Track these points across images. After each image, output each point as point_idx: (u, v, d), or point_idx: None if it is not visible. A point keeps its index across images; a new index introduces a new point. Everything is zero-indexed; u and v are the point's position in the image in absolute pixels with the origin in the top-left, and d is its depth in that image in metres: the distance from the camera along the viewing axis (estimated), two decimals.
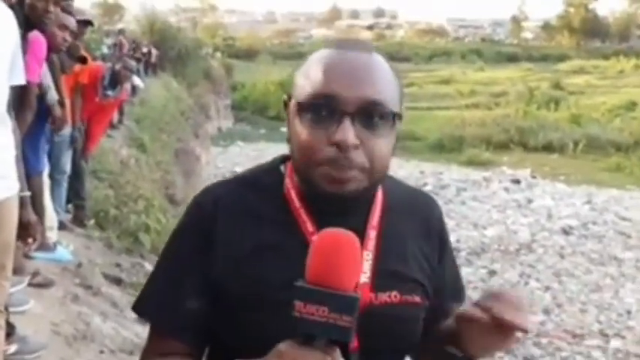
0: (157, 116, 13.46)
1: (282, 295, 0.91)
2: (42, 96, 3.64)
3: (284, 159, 1.16)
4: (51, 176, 4.68)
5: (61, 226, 5.14)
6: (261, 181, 1.15)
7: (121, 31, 16.21)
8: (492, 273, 10.26)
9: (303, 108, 1.04)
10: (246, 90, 34.77)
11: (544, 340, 7.93)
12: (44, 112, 3.77)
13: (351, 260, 0.92)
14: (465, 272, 9.57)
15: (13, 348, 2.95)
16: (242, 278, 1.06)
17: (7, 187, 2.19)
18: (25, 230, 2.39)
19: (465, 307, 1.05)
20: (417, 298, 1.12)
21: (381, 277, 1.09)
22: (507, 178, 18.07)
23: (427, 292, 1.15)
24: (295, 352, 0.89)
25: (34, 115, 3.26)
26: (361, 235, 1.08)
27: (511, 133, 24.24)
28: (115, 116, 9.40)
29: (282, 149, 1.15)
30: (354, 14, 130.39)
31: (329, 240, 0.92)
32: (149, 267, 5.19)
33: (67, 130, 4.90)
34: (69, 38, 4.07)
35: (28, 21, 2.82)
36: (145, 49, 17.56)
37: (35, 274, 3.96)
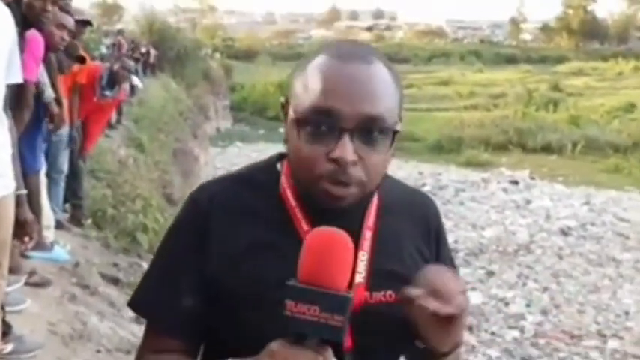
0: (155, 116, 13.46)
1: (278, 294, 0.91)
2: (39, 95, 3.64)
3: (280, 157, 1.15)
4: (48, 175, 4.67)
5: (59, 226, 5.13)
6: (257, 179, 1.15)
7: (119, 32, 16.22)
8: (490, 274, 10.26)
9: (302, 122, 1.03)
10: (245, 91, 34.77)
11: (542, 341, 7.94)
12: (41, 111, 3.77)
13: (344, 259, 0.92)
14: (463, 273, 9.58)
15: (9, 347, 2.95)
16: (237, 276, 1.06)
17: (4, 186, 2.19)
18: (21, 229, 2.39)
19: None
20: None
21: (377, 277, 1.09)
22: (506, 179, 18.08)
23: None
24: (287, 352, 0.90)
25: (31, 114, 3.26)
26: (357, 235, 1.08)
27: (510, 135, 24.27)
28: (114, 116, 9.40)
29: (281, 150, 1.15)
30: (354, 15, 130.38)
31: (321, 239, 0.92)
32: (146, 267, 5.17)
33: (64, 130, 4.89)
34: (67, 37, 4.07)
35: (26, 20, 2.82)
36: (143, 50, 17.56)
37: (32, 273, 3.95)
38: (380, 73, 1.04)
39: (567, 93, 35.99)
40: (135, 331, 4.13)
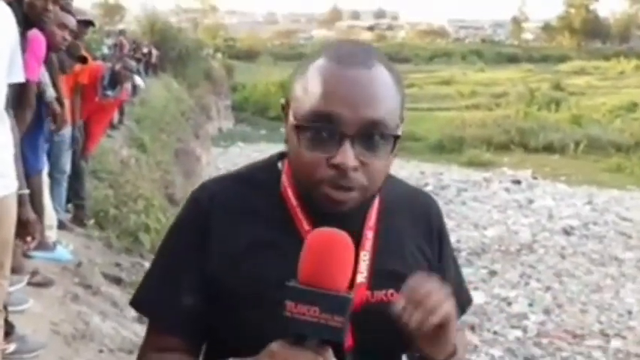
0: (157, 116, 13.47)
1: (278, 293, 0.90)
2: (40, 95, 3.64)
3: (281, 156, 1.15)
4: (50, 175, 4.68)
5: (61, 226, 5.14)
6: (258, 178, 1.15)
7: (121, 32, 16.25)
8: (493, 273, 10.25)
9: (303, 128, 1.02)
10: (246, 91, 34.80)
11: (545, 340, 7.93)
12: (43, 111, 3.77)
13: (344, 260, 0.91)
14: (466, 273, 9.49)
15: (12, 347, 2.95)
16: (237, 275, 1.06)
17: (5, 186, 2.19)
18: (24, 228, 2.39)
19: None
20: None
21: (378, 277, 1.08)
22: (508, 178, 18.08)
23: None
24: (287, 352, 0.89)
25: (33, 114, 3.25)
26: (358, 235, 1.08)
27: (512, 134, 24.25)
28: (116, 116, 9.40)
29: (282, 150, 1.15)
30: (355, 15, 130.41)
31: (322, 239, 0.92)
32: (149, 266, 5.18)
33: (66, 130, 4.90)
34: (68, 37, 4.07)
35: (27, 19, 2.81)
36: (145, 50, 17.57)
37: (34, 273, 3.95)
38: (381, 76, 1.03)
39: (569, 92, 35.95)
40: (137, 331, 4.13)
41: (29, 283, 3.78)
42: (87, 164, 6.16)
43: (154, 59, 18.94)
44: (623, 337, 8.08)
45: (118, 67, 6.11)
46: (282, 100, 1.11)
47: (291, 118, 1.06)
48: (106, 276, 5.03)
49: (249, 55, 50.85)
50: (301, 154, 1.03)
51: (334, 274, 0.89)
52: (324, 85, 1.01)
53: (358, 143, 1.00)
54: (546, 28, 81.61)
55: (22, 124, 3.03)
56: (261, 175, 1.15)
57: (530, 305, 8.99)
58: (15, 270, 3.21)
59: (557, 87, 36.94)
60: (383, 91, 1.03)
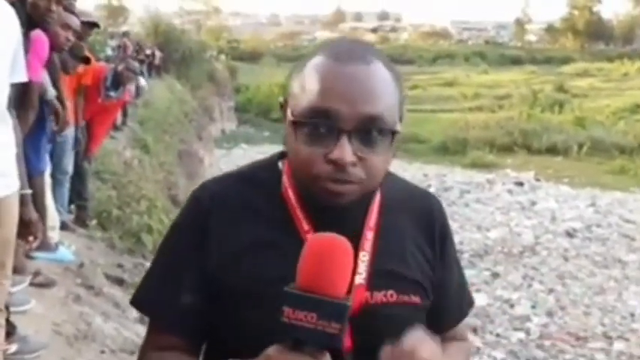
0: (160, 118, 13.49)
1: (276, 291, 0.90)
2: (41, 94, 3.64)
3: (282, 155, 1.15)
4: (53, 176, 4.68)
5: (64, 227, 5.14)
6: (259, 177, 1.14)
7: (125, 33, 16.27)
8: (496, 275, 10.24)
9: (300, 123, 1.02)
10: (250, 92, 34.88)
11: (547, 343, 7.91)
12: (45, 111, 3.77)
13: (343, 265, 0.91)
14: (469, 274, 9.52)
15: (13, 347, 2.95)
16: (237, 274, 1.06)
17: (7, 185, 2.19)
18: (26, 228, 2.38)
19: None
20: (416, 298, 1.11)
21: (378, 277, 1.08)
22: (511, 180, 18.07)
23: (427, 292, 1.14)
24: (284, 357, 0.89)
25: (36, 115, 3.26)
26: (358, 235, 1.08)
27: (515, 136, 24.25)
28: (119, 118, 9.41)
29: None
30: (358, 17, 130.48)
31: (321, 245, 0.91)
32: None
33: (69, 131, 4.90)
34: (72, 38, 4.07)
35: (31, 19, 2.82)
36: (148, 51, 17.61)
37: (37, 273, 3.95)
38: (379, 72, 1.03)
39: (573, 94, 35.92)
40: (139, 331, 4.13)
41: (31, 284, 3.78)
42: (89, 165, 6.15)
43: (157, 61, 18.98)
44: (626, 340, 8.06)
45: (120, 68, 6.11)
46: (281, 99, 1.11)
47: (289, 115, 1.06)
48: (108, 277, 5.03)
49: (252, 57, 50.94)
50: (299, 150, 1.02)
51: (333, 279, 0.89)
52: (322, 82, 1.01)
53: (356, 139, 1.00)
54: (549, 29, 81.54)
55: (25, 124, 3.03)
56: (262, 175, 1.15)
57: (533, 307, 8.97)
58: (17, 271, 3.22)
59: (561, 89, 36.92)
60: (381, 87, 1.02)
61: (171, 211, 7.82)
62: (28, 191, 2.42)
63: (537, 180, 18.48)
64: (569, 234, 12.66)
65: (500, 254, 11.32)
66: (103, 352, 3.65)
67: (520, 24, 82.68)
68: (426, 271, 1.14)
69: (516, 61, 55.82)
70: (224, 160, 19.90)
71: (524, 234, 12.55)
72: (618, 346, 7.87)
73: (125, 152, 9.25)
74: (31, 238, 2.46)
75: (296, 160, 1.05)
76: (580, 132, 24.84)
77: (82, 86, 5.54)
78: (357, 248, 1.05)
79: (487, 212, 14.41)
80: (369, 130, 1.01)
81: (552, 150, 23.11)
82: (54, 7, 2.93)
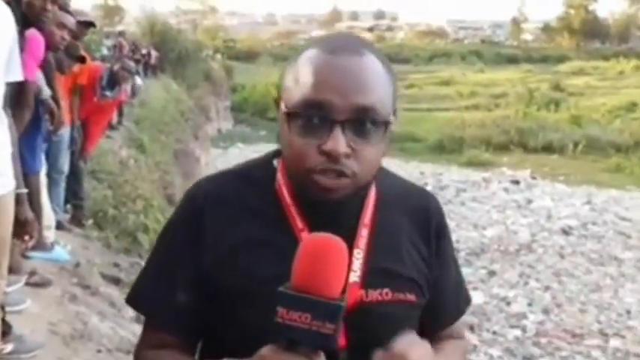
0: (156, 117, 13.47)
1: (271, 290, 0.90)
2: (36, 93, 3.63)
3: (277, 153, 1.14)
4: (49, 176, 4.67)
5: (59, 226, 5.13)
6: (254, 175, 1.14)
7: (121, 33, 16.25)
8: (492, 273, 10.25)
9: (294, 115, 1.02)
10: (246, 92, 34.83)
11: (544, 340, 7.93)
12: (40, 110, 3.77)
13: (338, 265, 0.91)
14: (465, 273, 9.40)
15: (9, 347, 2.94)
16: (232, 273, 1.06)
17: (3, 184, 2.18)
18: (21, 227, 2.38)
19: None
20: (411, 296, 1.11)
21: (372, 275, 1.07)
22: (507, 178, 18.09)
23: (422, 290, 1.13)
24: (278, 357, 0.89)
25: (31, 114, 3.25)
26: (353, 232, 1.08)
27: (511, 134, 24.28)
28: (115, 117, 9.40)
29: None
30: (354, 16, 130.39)
31: (316, 245, 0.91)
32: None
33: (65, 130, 4.89)
34: (67, 37, 4.07)
35: (26, 18, 2.81)
36: (144, 51, 17.59)
37: (32, 273, 3.94)
38: (371, 64, 1.03)
39: (568, 93, 35.98)
40: (136, 331, 4.13)
41: (27, 284, 3.77)
42: (85, 165, 6.15)
43: (153, 60, 18.95)
44: (622, 337, 8.08)
45: (116, 67, 6.11)
46: (275, 94, 1.12)
47: (282, 107, 1.06)
48: (104, 276, 5.02)
49: (248, 56, 50.86)
50: (292, 142, 1.03)
51: (328, 279, 0.89)
52: (315, 74, 1.01)
53: (349, 130, 1.00)
54: (545, 28, 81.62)
55: (20, 124, 3.02)
56: (257, 173, 1.15)
57: (530, 305, 8.99)
58: (13, 270, 3.21)
59: (557, 87, 36.97)
60: (373, 79, 1.03)
61: (168, 211, 7.80)
62: (24, 190, 2.42)
63: (533, 178, 18.50)
64: (565, 232, 12.68)
65: (497, 252, 11.34)
66: (99, 351, 3.65)
67: (516, 23, 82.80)
68: (422, 269, 1.14)
69: (512, 60, 55.89)
70: (220, 160, 19.86)
71: (521, 232, 12.56)
72: (614, 343, 7.89)
73: (121, 152, 9.23)
74: (26, 238, 2.46)
75: (290, 152, 1.04)
76: (576, 130, 24.88)
77: (77, 86, 5.53)
78: (351, 246, 1.05)
79: (483, 210, 14.42)
80: (363, 121, 1.01)
81: (548, 148, 23.14)
82: (49, 6, 2.93)
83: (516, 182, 17.47)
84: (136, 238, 6.22)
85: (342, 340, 1.01)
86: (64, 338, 3.55)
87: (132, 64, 7.00)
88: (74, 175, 5.57)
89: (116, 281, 5.11)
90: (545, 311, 8.79)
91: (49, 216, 4.42)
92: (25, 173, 2.68)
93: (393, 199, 1.16)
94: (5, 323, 2.76)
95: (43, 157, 4.11)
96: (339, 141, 0.99)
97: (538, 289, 9.63)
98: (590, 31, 72.67)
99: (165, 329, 1.12)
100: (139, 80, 7.90)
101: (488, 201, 15.40)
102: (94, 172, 7.24)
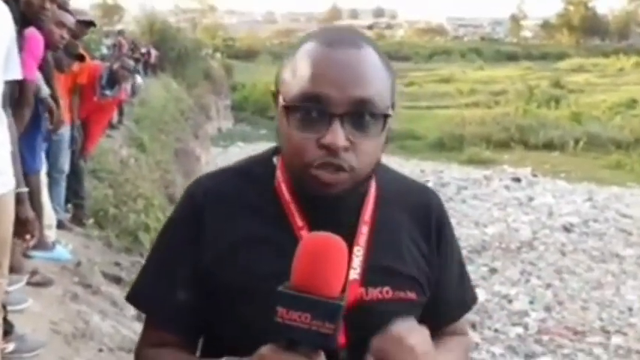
0: (156, 116, 13.47)
1: (270, 287, 0.89)
2: (35, 92, 3.62)
3: (277, 150, 1.14)
4: (49, 175, 4.67)
5: (60, 226, 5.13)
6: (253, 173, 1.14)
7: (120, 32, 16.24)
8: (493, 271, 10.25)
9: (292, 109, 1.01)
10: (246, 90, 34.80)
11: (545, 337, 7.92)
12: (40, 109, 3.76)
13: (338, 265, 0.90)
14: None
15: (11, 346, 2.94)
16: (231, 270, 1.05)
17: (3, 184, 2.17)
18: (22, 227, 2.38)
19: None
20: (412, 294, 1.10)
21: (372, 273, 1.07)
22: (508, 176, 18.07)
23: (423, 288, 1.12)
24: (278, 357, 0.89)
25: (31, 113, 3.25)
26: (353, 229, 1.07)
27: (511, 132, 24.26)
28: (115, 116, 9.40)
29: None
30: (354, 14, 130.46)
31: (316, 244, 0.91)
32: None
33: (65, 129, 4.89)
34: (66, 36, 4.06)
35: (25, 17, 2.80)
36: (143, 50, 17.58)
37: (34, 272, 3.94)
38: (369, 57, 1.03)
39: (568, 90, 35.95)
40: (137, 329, 4.12)
41: (29, 283, 3.77)
42: (86, 164, 6.15)
43: (152, 59, 18.94)
44: (624, 334, 8.07)
45: (116, 66, 6.10)
46: (272, 88, 1.10)
47: (280, 101, 1.05)
48: (105, 275, 5.02)
49: (248, 55, 50.86)
50: (291, 136, 1.02)
51: (327, 279, 0.88)
52: (313, 67, 1.01)
53: (348, 123, 1.00)
54: (545, 25, 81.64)
55: (20, 123, 3.02)
56: (257, 170, 1.14)
57: (531, 302, 8.98)
58: (14, 270, 3.21)
59: (557, 84, 36.96)
60: (371, 72, 1.02)
61: (168, 210, 7.80)
62: (24, 189, 2.41)
63: (534, 175, 18.49)
64: (567, 229, 12.67)
65: (498, 250, 11.33)
66: (101, 350, 3.65)
67: (515, 20, 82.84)
68: (422, 267, 1.13)
69: (512, 57, 55.90)
70: (221, 159, 19.84)
71: (522, 229, 12.55)
72: (616, 340, 7.88)
73: (121, 151, 9.23)
74: (28, 237, 2.45)
75: (288, 146, 1.03)
76: (576, 127, 24.85)
77: (77, 85, 5.53)
78: (351, 243, 1.04)
79: (484, 208, 14.41)
80: (361, 114, 1.00)
81: (549, 145, 23.12)
82: (48, 5, 2.92)
83: (517, 180, 17.46)
84: (136, 237, 6.23)
85: (341, 339, 1.00)
86: (65, 337, 3.55)
87: (131, 62, 6.99)
88: (75, 175, 5.57)
89: (117, 280, 5.11)
90: (547, 309, 8.79)
91: (49, 215, 4.42)
92: (25, 173, 2.66)
93: (394, 195, 1.15)
94: (7, 322, 2.76)
95: (43, 157, 4.11)
96: (337, 134, 0.98)
97: (539, 286, 9.62)
98: (590, 28, 72.70)
99: (165, 327, 1.11)
100: (139, 79, 7.90)
101: (489, 198, 15.39)
102: (95, 172, 7.25)
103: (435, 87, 39.00)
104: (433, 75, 43.77)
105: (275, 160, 1.13)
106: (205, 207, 1.10)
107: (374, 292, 1.06)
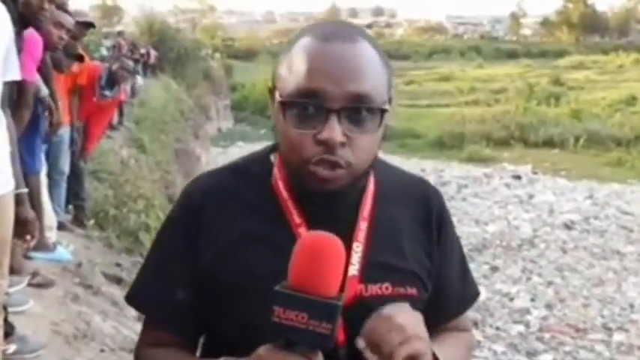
0: (156, 117, 13.46)
1: (268, 285, 0.89)
2: (35, 93, 3.62)
3: (275, 147, 1.13)
4: (49, 176, 4.67)
5: (61, 227, 5.13)
6: (251, 171, 1.13)
7: (119, 33, 16.23)
8: (494, 269, 10.25)
9: (288, 105, 1.00)
10: (245, 90, 34.79)
11: (547, 335, 7.92)
12: (39, 110, 3.76)
13: (335, 265, 0.90)
14: None
15: (12, 347, 2.94)
16: (229, 268, 1.05)
17: (2, 184, 2.17)
18: (22, 227, 2.37)
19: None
20: (412, 290, 1.08)
21: (372, 269, 1.06)
22: (508, 174, 18.08)
23: (424, 283, 1.11)
24: (275, 357, 0.88)
25: (30, 114, 3.24)
26: (352, 225, 1.06)
27: (511, 130, 24.25)
28: (115, 117, 9.40)
29: None
30: (353, 13, 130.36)
31: (313, 243, 0.90)
32: None
33: (65, 131, 4.88)
34: (65, 37, 4.06)
35: (23, 18, 2.80)
36: (143, 50, 17.56)
37: (35, 274, 3.94)
38: (365, 51, 1.02)
39: (568, 87, 35.93)
40: (138, 329, 4.09)
41: (29, 284, 3.77)
42: (86, 165, 6.15)
43: (152, 60, 18.93)
44: (626, 331, 8.07)
45: (115, 67, 6.09)
46: (269, 84, 1.10)
47: (277, 97, 1.04)
48: (106, 276, 5.02)
49: (247, 55, 50.83)
50: (288, 132, 1.01)
51: (325, 278, 0.88)
52: (309, 62, 1.00)
53: (345, 118, 0.99)
54: (545, 23, 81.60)
55: (20, 124, 3.01)
56: (254, 168, 1.13)
57: (533, 300, 8.98)
58: (15, 271, 3.21)
59: (557, 82, 36.94)
60: (368, 66, 1.01)
61: (169, 210, 7.81)
62: (24, 190, 2.41)
63: (535, 173, 18.49)
64: (567, 226, 12.67)
65: (499, 248, 11.33)
66: (102, 350, 3.65)
67: (515, 18, 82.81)
68: (423, 262, 1.12)
69: (512, 55, 55.87)
70: (221, 159, 19.81)
71: (523, 227, 12.55)
72: (618, 337, 7.88)
73: (122, 151, 9.23)
74: (28, 237, 2.45)
75: (285, 142, 1.03)
76: (576, 124, 24.83)
77: (77, 86, 5.53)
78: (350, 239, 1.04)
79: (485, 206, 14.41)
80: (358, 109, 0.99)
81: (549, 143, 23.11)
82: (46, 6, 2.92)
83: (518, 177, 17.46)
84: (137, 237, 6.23)
85: (341, 336, 1.00)
86: (66, 338, 3.55)
87: (130, 63, 6.98)
88: (75, 176, 5.57)
89: (118, 281, 5.11)
90: (549, 306, 8.79)
91: (50, 217, 4.42)
92: (25, 174, 2.66)
93: (393, 190, 1.14)
94: (8, 324, 2.76)
95: (42, 158, 4.11)
96: (334, 130, 0.97)
97: (541, 284, 9.62)
98: (590, 25, 72.66)
99: (164, 328, 1.11)
100: (140, 80, 7.90)
101: (489, 196, 15.39)
102: (95, 173, 7.25)
103: (435, 85, 38.99)
104: (433, 73, 43.76)
105: (272, 157, 1.13)
106: (203, 206, 1.09)
107: (373, 289, 1.05)
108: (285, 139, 1.02)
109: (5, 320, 2.59)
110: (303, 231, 1.03)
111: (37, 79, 3.55)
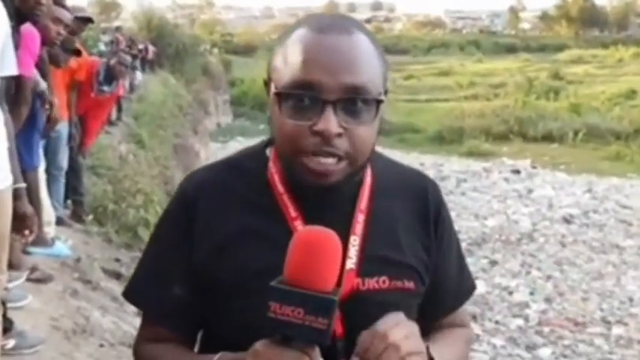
0: (155, 112, 13.44)
1: (265, 282, 0.89)
2: (33, 87, 3.61)
3: (270, 142, 1.13)
4: (48, 172, 4.67)
5: (60, 222, 5.12)
6: (246, 165, 1.13)
7: (117, 29, 16.19)
8: (494, 263, 10.25)
9: (284, 97, 1.00)
10: (245, 85, 34.73)
11: (546, 329, 7.93)
12: (37, 106, 3.75)
13: (331, 260, 0.89)
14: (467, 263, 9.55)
15: (11, 343, 2.94)
16: (225, 264, 1.05)
17: (0, 180, 2.17)
18: (21, 222, 2.37)
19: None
20: (409, 284, 1.08)
21: (369, 263, 1.05)
22: (507, 168, 18.07)
23: (422, 277, 1.11)
24: (272, 352, 0.88)
25: (28, 110, 3.24)
26: (349, 219, 1.06)
27: (510, 124, 24.23)
28: (114, 113, 9.39)
29: None
30: (352, 8, 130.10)
31: (309, 238, 0.90)
32: None
33: (63, 126, 4.88)
34: (63, 32, 4.04)
35: (20, 13, 2.79)
36: (141, 46, 17.50)
37: (34, 269, 3.94)
38: (361, 43, 1.02)
39: (567, 81, 35.90)
40: (137, 324, 4.11)
41: (28, 280, 3.77)
42: (84, 160, 6.14)
43: (150, 55, 18.88)
44: (625, 324, 8.08)
45: (113, 62, 6.08)
46: (265, 77, 1.09)
47: (272, 88, 1.04)
48: (105, 271, 5.02)
49: (246, 50, 50.77)
50: (284, 124, 1.00)
51: (321, 273, 0.88)
52: (304, 54, 0.99)
53: (341, 109, 0.98)
54: (544, 17, 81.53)
55: (18, 119, 3.01)
56: (249, 162, 1.13)
57: (532, 294, 8.98)
58: (14, 266, 3.21)
59: (556, 76, 36.92)
60: (363, 58, 1.01)
61: None
62: (22, 185, 2.40)
63: (534, 167, 18.48)
64: (567, 220, 12.67)
65: (498, 242, 11.33)
66: (102, 345, 3.65)
67: (514, 12, 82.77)
68: (420, 255, 1.12)
69: (511, 50, 55.87)
70: (220, 154, 19.71)
71: (522, 221, 12.55)
72: (617, 330, 7.89)
73: (120, 147, 9.22)
74: (26, 232, 2.45)
75: (281, 134, 1.02)
76: (575, 119, 24.82)
77: (75, 81, 5.52)
78: (347, 232, 1.03)
79: (484, 200, 14.41)
80: (354, 100, 0.99)
81: (548, 137, 23.09)
82: (43, 1, 2.91)
83: (517, 172, 17.45)
84: (136, 232, 6.23)
85: (338, 329, 1.00)
86: (65, 333, 3.55)
87: (128, 58, 6.97)
88: (73, 171, 5.57)
89: (117, 276, 5.11)
90: (548, 300, 8.79)
91: (49, 212, 4.42)
92: (23, 170, 2.66)
93: (390, 184, 1.14)
94: (7, 319, 2.76)
95: (41, 153, 4.11)
96: (330, 121, 0.97)
97: (540, 278, 9.63)
98: (589, 19, 72.64)
99: (161, 323, 1.11)
100: (139, 75, 7.88)
101: (489, 191, 15.39)
102: (94, 168, 7.24)
103: (434, 80, 38.95)
104: (432, 68, 43.74)
105: (268, 152, 1.12)
106: (198, 201, 1.09)
107: (370, 282, 1.05)
108: (281, 130, 1.02)
109: (4, 315, 2.60)
110: (299, 225, 1.03)
111: (34, 74, 3.55)
